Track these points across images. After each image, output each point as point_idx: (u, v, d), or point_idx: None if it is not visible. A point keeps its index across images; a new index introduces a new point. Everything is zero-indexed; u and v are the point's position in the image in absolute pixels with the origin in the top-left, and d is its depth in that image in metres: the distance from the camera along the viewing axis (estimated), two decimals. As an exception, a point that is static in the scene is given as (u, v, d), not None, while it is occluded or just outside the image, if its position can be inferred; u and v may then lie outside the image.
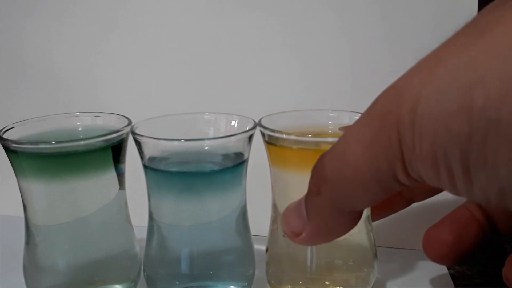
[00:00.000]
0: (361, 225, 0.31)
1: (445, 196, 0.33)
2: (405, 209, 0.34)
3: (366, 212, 0.32)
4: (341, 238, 0.31)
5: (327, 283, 0.31)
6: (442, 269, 0.36)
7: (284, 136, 0.29)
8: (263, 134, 0.31)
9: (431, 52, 0.18)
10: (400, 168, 0.18)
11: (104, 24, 0.43)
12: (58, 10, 0.43)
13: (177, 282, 0.31)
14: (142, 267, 0.33)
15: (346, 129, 0.21)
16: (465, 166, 0.16)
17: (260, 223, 0.35)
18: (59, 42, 0.44)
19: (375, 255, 0.32)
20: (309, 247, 0.31)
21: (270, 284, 0.33)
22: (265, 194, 0.33)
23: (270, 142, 0.31)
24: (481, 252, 0.28)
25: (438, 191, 0.32)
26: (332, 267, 0.32)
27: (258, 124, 0.31)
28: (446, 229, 0.30)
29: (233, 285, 0.31)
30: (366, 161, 0.19)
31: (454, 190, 0.18)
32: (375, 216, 0.32)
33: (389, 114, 0.18)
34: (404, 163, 0.18)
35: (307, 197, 0.23)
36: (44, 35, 0.44)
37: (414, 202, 0.33)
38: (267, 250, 0.33)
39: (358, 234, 0.31)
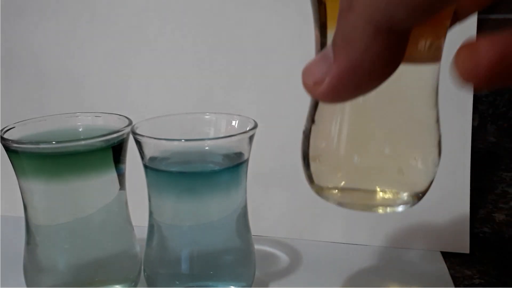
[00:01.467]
0: (427, 96, 0.23)
1: (444, 198, 0.33)
2: (405, 210, 0.33)
3: (435, 77, 0.23)
4: (402, 112, 0.22)
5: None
6: (443, 269, 0.36)
7: None
8: None
9: None
10: None
11: (104, 24, 0.43)
12: (58, 10, 0.43)
13: (177, 282, 0.31)
14: (142, 267, 0.33)
15: None
16: None
17: (260, 223, 0.35)
18: (59, 42, 0.44)
19: (439, 136, 0.24)
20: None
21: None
22: (265, 194, 0.33)
23: None
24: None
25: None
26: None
27: None
28: (486, 42, 0.21)
29: (233, 285, 0.31)
30: None
31: None
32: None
33: None
34: None
35: (337, 21, 0.19)
36: (44, 35, 0.44)
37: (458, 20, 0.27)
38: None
39: (422, 107, 0.23)
